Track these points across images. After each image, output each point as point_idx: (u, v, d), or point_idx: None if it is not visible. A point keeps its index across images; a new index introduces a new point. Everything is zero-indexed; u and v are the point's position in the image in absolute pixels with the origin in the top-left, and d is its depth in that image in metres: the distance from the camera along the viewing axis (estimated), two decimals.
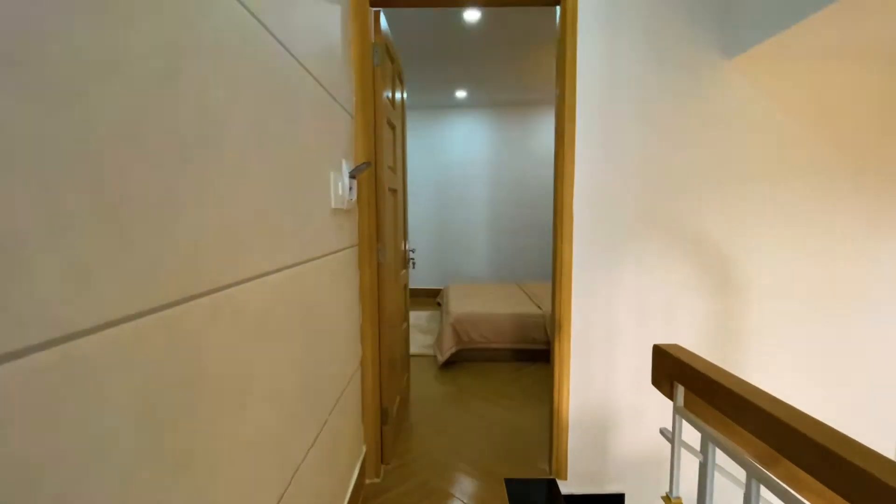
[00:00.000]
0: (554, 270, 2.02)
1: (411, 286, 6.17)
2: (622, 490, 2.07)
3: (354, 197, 1.77)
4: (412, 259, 2.88)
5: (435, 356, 3.72)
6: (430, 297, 6.01)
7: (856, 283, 2.00)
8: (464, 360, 3.70)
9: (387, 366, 2.10)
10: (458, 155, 6.04)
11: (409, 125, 6.03)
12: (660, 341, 1.87)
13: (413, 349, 3.85)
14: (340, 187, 1.59)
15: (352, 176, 1.72)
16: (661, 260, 1.98)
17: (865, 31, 1.56)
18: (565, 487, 2.06)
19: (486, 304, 3.97)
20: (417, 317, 4.96)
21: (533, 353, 3.68)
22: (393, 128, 2.29)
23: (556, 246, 2.00)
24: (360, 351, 2.00)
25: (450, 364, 3.63)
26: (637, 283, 1.98)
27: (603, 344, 2.01)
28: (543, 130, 5.93)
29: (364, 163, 1.82)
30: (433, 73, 4.51)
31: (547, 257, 6.09)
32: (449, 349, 3.56)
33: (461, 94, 5.36)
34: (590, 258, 1.97)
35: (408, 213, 3.12)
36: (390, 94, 2.21)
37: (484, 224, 6.09)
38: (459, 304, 3.95)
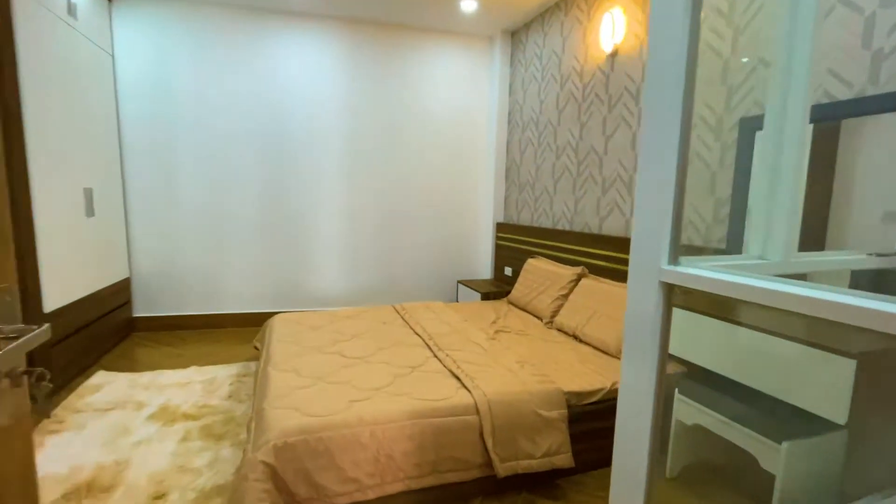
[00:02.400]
0: None
1: (205, 311, 3.60)
2: None
3: None
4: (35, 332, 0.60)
5: None
6: (245, 329, 3.55)
7: None
8: None
9: None
10: (296, 95, 3.64)
11: (204, 36, 3.39)
12: None
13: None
14: None
15: None
16: None
17: None
18: None
19: (347, 384, 1.82)
20: (210, 380, 2.53)
21: (460, 491, 1.69)
22: None
23: None
24: None
25: None
26: None
27: None
28: (439, 66, 3.94)
29: None
30: None
31: (460, 261, 4.18)
32: None
33: None
34: None
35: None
36: None
37: (342, 209, 3.86)
38: (286, 395, 1.71)
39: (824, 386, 1.32)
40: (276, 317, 2.79)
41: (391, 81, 3.83)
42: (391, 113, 3.85)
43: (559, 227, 3.29)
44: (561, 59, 3.23)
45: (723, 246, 2.07)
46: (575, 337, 2.55)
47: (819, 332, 1.36)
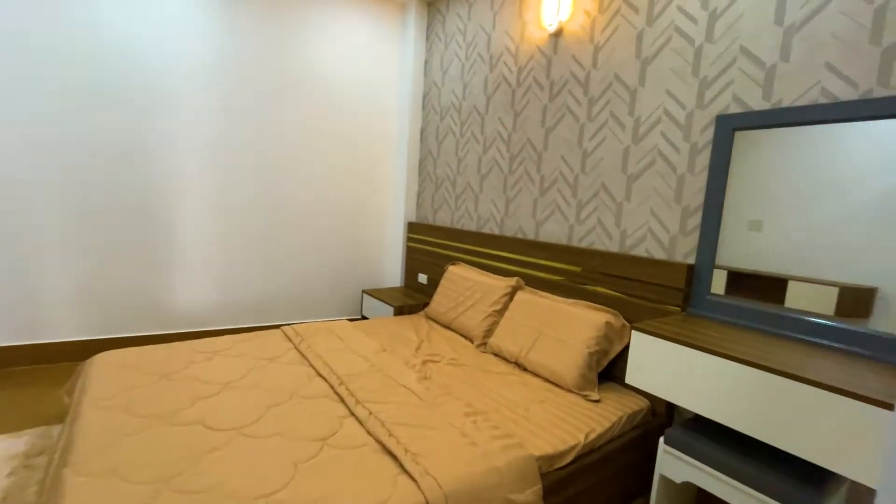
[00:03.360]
0: None
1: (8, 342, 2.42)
2: None
3: None
4: None
5: None
6: (72, 364, 2.43)
7: None
8: None
9: None
10: (142, 43, 2.61)
11: None
12: None
13: None
14: None
15: None
16: None
17: None
18: None
19: (213, 492, 1.11)
20: None
21: None
22: None
23: None
24: None
25: None
26: None
27: None
28: (340, 33, 3.21)
29: None
30: None
31: (364, 267, 3.51)
32: None
33: None
34: None
35: None
36: None
37: (215, 203, 2.92)
38: None
39: (853, 441, 1.06)
40: (97, 358, 1.86)
41: (281, 48, 3.00)
42: (280, 85, 3.03)
43: (486, 230, 2.87)
44: (491, 37, 2.80)
45: (691, 261, 1.82)
46: (517, 365, 2.13)
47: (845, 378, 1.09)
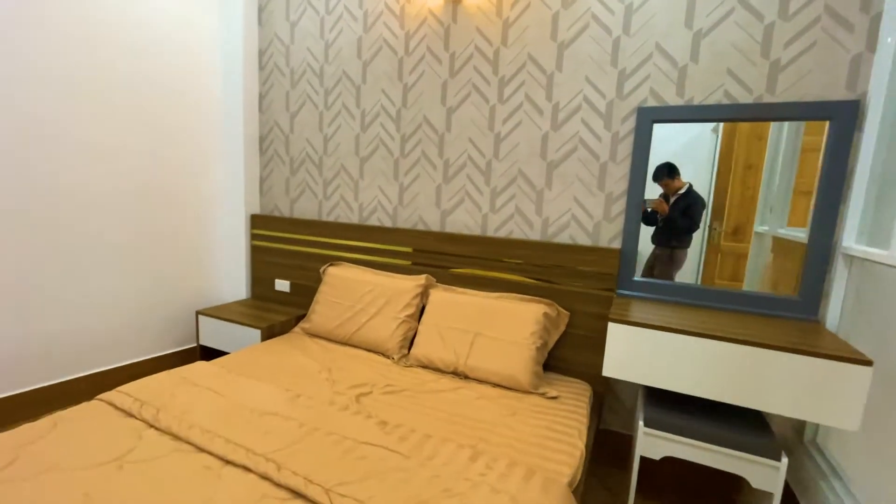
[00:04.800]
0: None
1: None
2: None
3: None
4: None
5: None
6: None
7: None
8: None
9: None
10: None
11: None
12: None
13: None
14: None
15: None
16: None
17: None
18: None
19: None
20: None
21: None
22: None
23: None
24: None
25: None
26: None
27: None
28: None
29: None
30: None
31: (191, 280, 2.58)
32: None
33: None
34: None
35: None
36: None
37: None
38: None
39: (834, 395, 1.30)
40: None
41: None
42: (35, 24, 1.82)
43: (372, 222, 2.46)
44: None
45: (617, 245, 1.92)
46: (457, 374, 1.90)
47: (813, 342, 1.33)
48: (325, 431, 1.36)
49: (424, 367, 1.97)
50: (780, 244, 1.76)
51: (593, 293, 1.93)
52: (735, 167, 1.80)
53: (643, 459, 1.56)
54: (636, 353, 1.52)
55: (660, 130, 1.79)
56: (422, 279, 2.19)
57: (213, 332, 2.46)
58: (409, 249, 2.31)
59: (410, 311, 2.12)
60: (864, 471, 1.41)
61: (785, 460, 1.36)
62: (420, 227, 2.33)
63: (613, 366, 1.55)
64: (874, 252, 1.41)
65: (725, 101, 1.70)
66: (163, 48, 2.35)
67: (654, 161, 1.82)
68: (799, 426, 1.71)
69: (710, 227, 1.84)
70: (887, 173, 1.47)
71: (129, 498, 1.07)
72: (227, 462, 1.22)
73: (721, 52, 1.68)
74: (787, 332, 1.48)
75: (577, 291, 1.96)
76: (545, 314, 1.91)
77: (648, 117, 1.80)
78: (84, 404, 1.50)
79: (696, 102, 1.74)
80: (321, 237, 2.53)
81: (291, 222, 2.62)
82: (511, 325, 1.90)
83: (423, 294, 2.17)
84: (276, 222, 2.67)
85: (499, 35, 2.04)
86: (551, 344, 1.94)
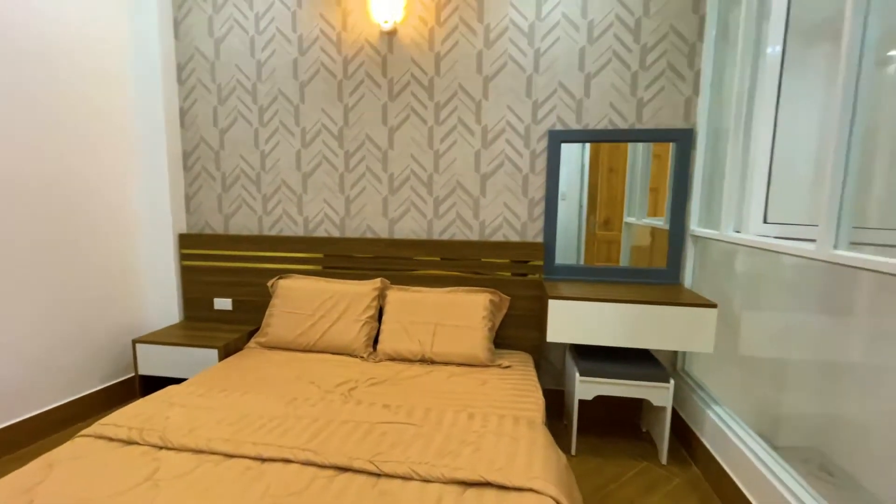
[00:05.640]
0: None
1: None
2: None
3: None
4: None
5: None
6: None
7: None
8: None
9: None
10: None
11: None
12: None
13: None
14: None
15: None
16: None
17: None
18: None
19: None
20: None
21: None
22: None
23: None
24: None
25: None
26: None
27: None
28: None
29: None
30: None
31: (112, 308, 2.40)
32: None
33: None
34: None
35: None
36: None
37: None
38: None
39: (696, 330, 1.90)
40: None
41: None
42: None
43: (319, 234, 2.58)
44: (297, 15, 2.43)
45: (540, 240, 2.40)
46: (424, 361, 2.18)
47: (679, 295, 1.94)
48: (340, 421, 1.55)
49: (393, 359, 2.21)
50: (643, 230, 2.41)
51: (525, 280, 2.38)
52: (601, 171, 2.40)
53: (579, 402, 2.04)
54: (570, 320, 1.99)
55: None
56: (377, 282, 2.41)
57: (156, 360, 2.34)
58: (360, 255, 2.50)
59: (371, 312, 2.34)
60: (715, 382, 2.08)
61: (672, 382, 1.95)
62: (369, 234, 2.54)
63: (555, 332, 2.00)
64: (708, 232, 2.08)
65: (610, 127, 2.27)
66: (73, 60, 2.17)
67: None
68: (673, 358, 2.37)
69: (587, 220, 2.43)
70: (711, 178, 2.17)
71: (208, 493, 1.16)
72: (265, 460, 1.35)
73: (605, 90, 2.25)
74: (663, 292, 2.09)
75: (513, 280, 2.39)
76: (491, 301, 2.30)
77: (557, 138, 2.30)
78: (68, 443, 1.44)
79: (591, 127, 2.29)
80: (262, 251, 2.57)
81: (230, 239, 2.60)
82: (464, 313, 2.25)
83: (380, 296, 2.40)
84: (209, 240, 2.62)
85: (432, 66, 2.37)
86: (497, 325, 2.34)
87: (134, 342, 2.35)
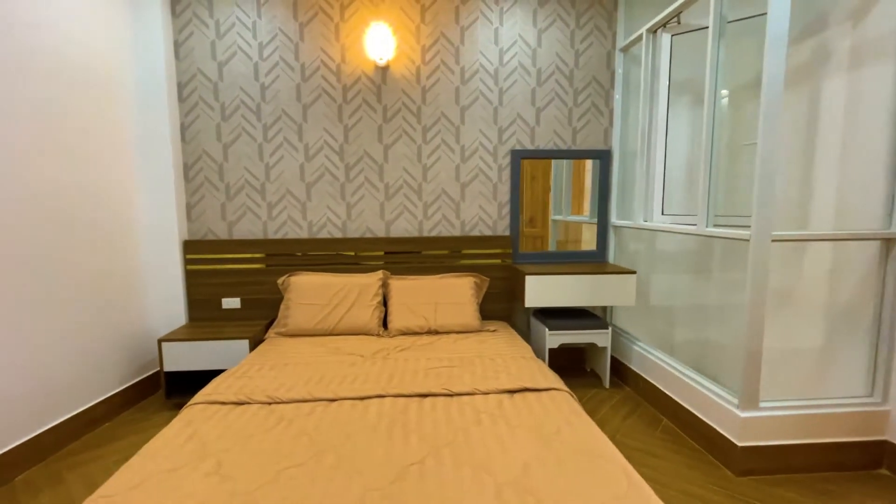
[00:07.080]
0: None
1: None
2: None
3: None
4: None
5: None
6: None
7: None
8: None
9: None
10: None
11: None
12: None
13: None
14: None
15: None
16: None
17: None
18: None
19: None
20: None
21: None
22: None
23: None
24: None
25: None
26: None
27: None
28: None
29: None
30: None
31: (122, 314, 2.54)
32: None
33: None
34: None
35: None
36: None
37: None
38: None
39: (622, 290, 2.75)
40: None
41: None
42: None
43: (322, 235, 2.97)
44: (299, 47, 2.81)
45: (507, 233, 3.10)
46: (430, 332, 2.72)
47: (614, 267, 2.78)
48: (402, 370, 2.05)
49: (404, 333, 2.73)
50: (571, 224, 3.25)
51: (498, 264, 3.06)
52: (526, 179, 3.19)
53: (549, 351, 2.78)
54: (540, 290, 2.71)
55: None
56: (380, 274, 2.89)
57: (184, 356, 2.53)
58: (364, 252, 2.95)
59: (378, 298, 2.82)
60: (634, 326, 2.97)
61: (610, 328, 2.78)
62: (368, 234, 3.00)
63: (530, 300, 2.71)
64: (625, 222, 2.97)
65: (554, 147, 3.06)
66: (82, 77, 2.30)
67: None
68: (604, 314, 3.24)
69: (518, 219, 3.22)
70: (624, 184, 3.07)
71: (337, 421, 1.60)
72: (364, 398, 1.81)
73: (550, 120, 3.03)
74: (598, 266, 2.92)
75: (488, 265, 3.05)
76: (475, 283, 2.93)
77: (518, 156, 3.02)
78: (184, 410, 1.73)
79: (541, 147, 3.05)
80: (268, 252, 2.89)
81: (237, 243, 2.86)
82: (457, 293, 2.85)
83: (384, 285, 2.88)
84: (214, 245, 2.85)
85: (420, 97, 2.93)
86: (480, 300, 2.98)
87: (160, 341, 2.51)
